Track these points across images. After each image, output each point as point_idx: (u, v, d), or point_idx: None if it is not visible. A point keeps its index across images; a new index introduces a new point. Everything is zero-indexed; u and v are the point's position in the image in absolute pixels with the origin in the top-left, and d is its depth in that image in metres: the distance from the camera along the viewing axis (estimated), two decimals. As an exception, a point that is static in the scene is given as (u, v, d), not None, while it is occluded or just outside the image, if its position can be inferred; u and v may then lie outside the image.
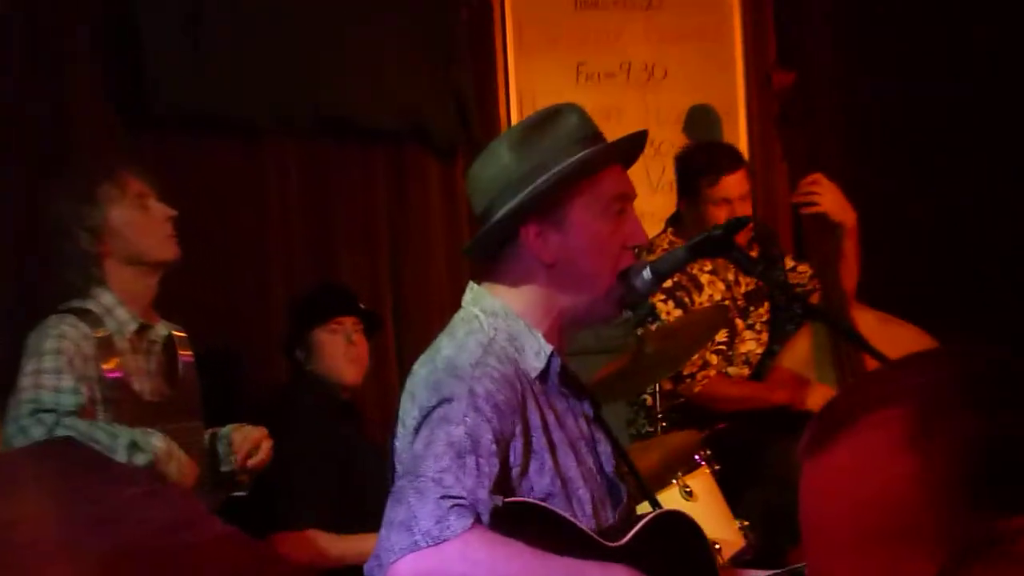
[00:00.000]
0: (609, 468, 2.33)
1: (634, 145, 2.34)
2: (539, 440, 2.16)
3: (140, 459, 2.93)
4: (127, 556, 1.75)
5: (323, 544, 3.56)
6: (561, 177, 2.19)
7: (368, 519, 3.20)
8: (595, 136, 2.26)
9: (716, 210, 4.15)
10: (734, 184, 4.17)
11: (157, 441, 2.97)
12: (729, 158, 4.22)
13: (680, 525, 2.35)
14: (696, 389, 4.13)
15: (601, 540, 2.16)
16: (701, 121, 5.04)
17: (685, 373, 4.11)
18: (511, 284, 2.26)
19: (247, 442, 3.29)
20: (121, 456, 2.90)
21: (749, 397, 4.21)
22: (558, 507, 2.14)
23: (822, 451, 1.06)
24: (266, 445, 3.31)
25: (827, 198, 4.17)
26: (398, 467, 2.15)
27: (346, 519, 3.60)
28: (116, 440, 2.92)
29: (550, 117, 2.25)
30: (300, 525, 3.57)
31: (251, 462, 3.29)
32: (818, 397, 4.06)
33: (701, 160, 4.22)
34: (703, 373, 4.15)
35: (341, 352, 3.80)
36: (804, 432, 1.10)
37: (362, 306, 3.92)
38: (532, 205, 2.20)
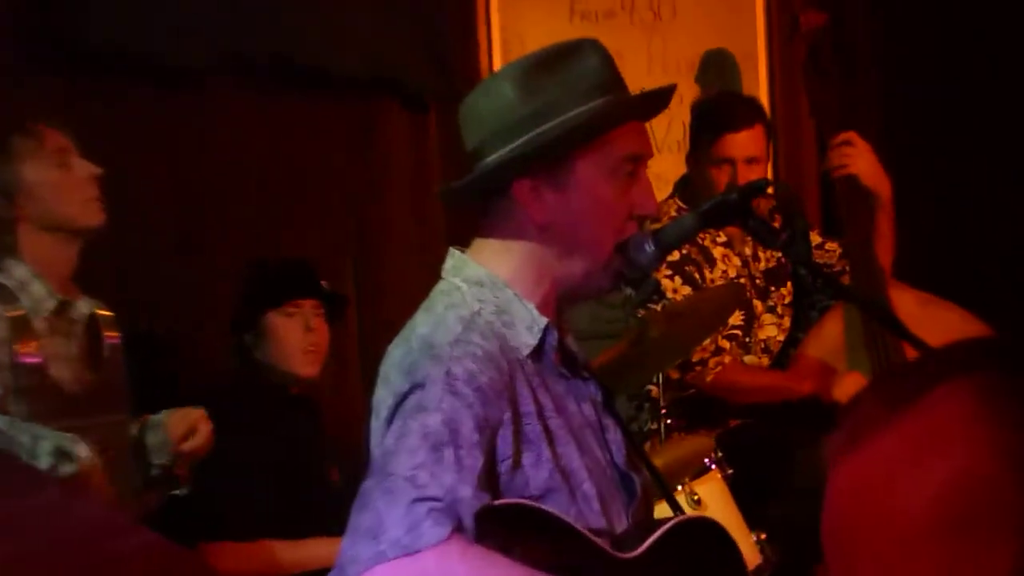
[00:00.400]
0: (620, 460, 2.32)
1: (659, 102, 2.34)
2: (533, 428, 2.14)
3: (67, 468, 2.90)
4: (30, 570, 1.72)
5: (274, 553, 3.55)
6: (570, 129, 2.17)
7: (328, 528, 3.26)
8: (615, 84, 2.24)
9: (716, 172, 4.16)
10: (739, 143, 4.15)
11: (82, 451, 2.94)
12: (741, 113, 4.21)
13: (707, 534, 2.32)
14: (708, 378, 4.12)
15: (610, 551, 2.13)
16: (715, 69, 5.01)
17: (695, 360, 4.11)
18: (498, 246, 2.25)
19: (183, 423, 3.26)
20: (43, 462, 2.88)
21: (770, 387, 4.21)
22: (560, 505, 2.12)
23: (868, 442, 1.05)
24: (204, 428, 3.27)
25: (861, 160, 4.19)
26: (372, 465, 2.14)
27: (301, 528, 3.58)
28: (40, 444, 2.90)
29: (565, 54, 2.22)
30: (246, 534, 3.56)
31: (187, 446, 3.25)
32: (849, 387, 4.04)
33: (709, 112, 4.24)
34: (716, 359, 4.15)
35: (298, 340, 3.77)
36: (840, 426, 1.09)
37: (324, 286, 3.89)
38: (531, 155, 2.18)
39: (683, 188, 4.34)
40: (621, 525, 2.23)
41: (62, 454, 2.90)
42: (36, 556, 1.80)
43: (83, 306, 3.27)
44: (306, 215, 4.38)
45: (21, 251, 3.18)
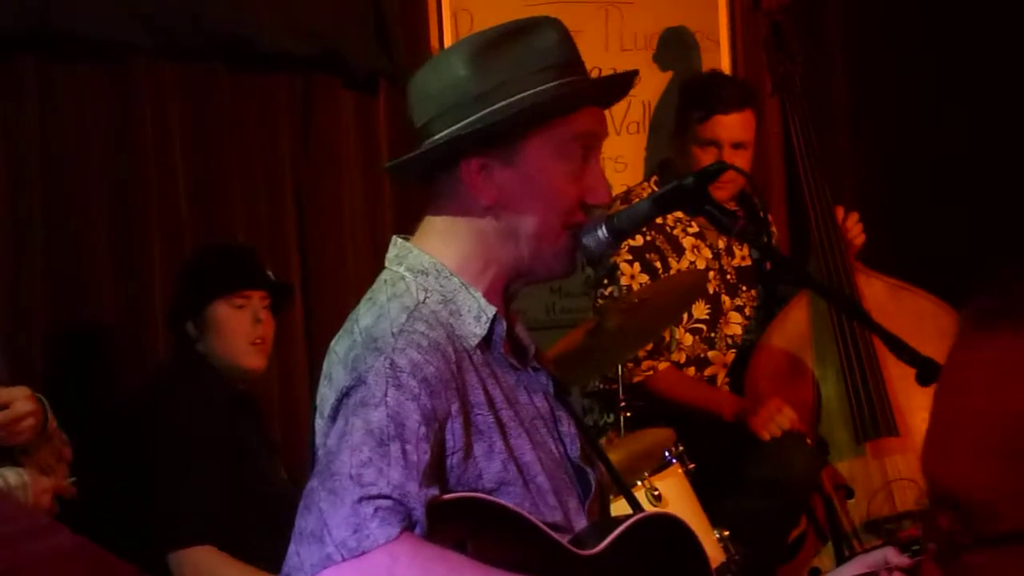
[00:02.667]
0: (574, 453, 2.29)
1: (619, 88, 2.32)
2: (484, 418, 2.13)
3: None
4: None
5: (217, 570, 3.52)
6: (522, 110, 2.14)
7: (279, 529, 3.21)
8: (573, 64, 2.22)
9: (702, 153, 4.15)
10: (728, 126, 4.15)
11: (12, 477, 2.88)
12: (733, 94, 4.19)
13: (669, 531, 2.30)
14: (635, 379, 4.11)
15: (568, 546, 2.11)
16: (675, 47, 5.00)
17: (630, 356, 4.08)
18: (444, 230, 2.24)
19: None
20: None
21: (695, 405, 4.19)
22: (515, 498, 2.11)
23: (981, 338, 1.17)
24: (19, 406, 3.01)
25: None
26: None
27: (250, 531, 3.56)
28: None
29: (521, 31, 2.20)
30: (191, 540, 3.53)
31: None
32: (767, 419, 4.02)
33: (697, 92, 4.22)
34: (649, 363, 4.14)
35: (245, 332, 3.74)
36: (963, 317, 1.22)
37: (271, 276, 3.86)
38: (480, 134, 2.16)
39: (663, 171, 4.32)
40: (577, 521, 2.21)
41: None
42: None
43: None
44: (247, 199, 4.33)
45: None
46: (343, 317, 2.23)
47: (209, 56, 4.23)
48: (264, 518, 3.51)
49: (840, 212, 4.31)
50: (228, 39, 4.22)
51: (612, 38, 4.92)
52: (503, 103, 2.15)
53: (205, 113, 4.26)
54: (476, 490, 2.08)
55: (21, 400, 3.02)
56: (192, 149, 4.22)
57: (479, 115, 2.15)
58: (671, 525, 2.30)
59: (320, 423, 2.12)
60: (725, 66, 5.00)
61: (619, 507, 2.47)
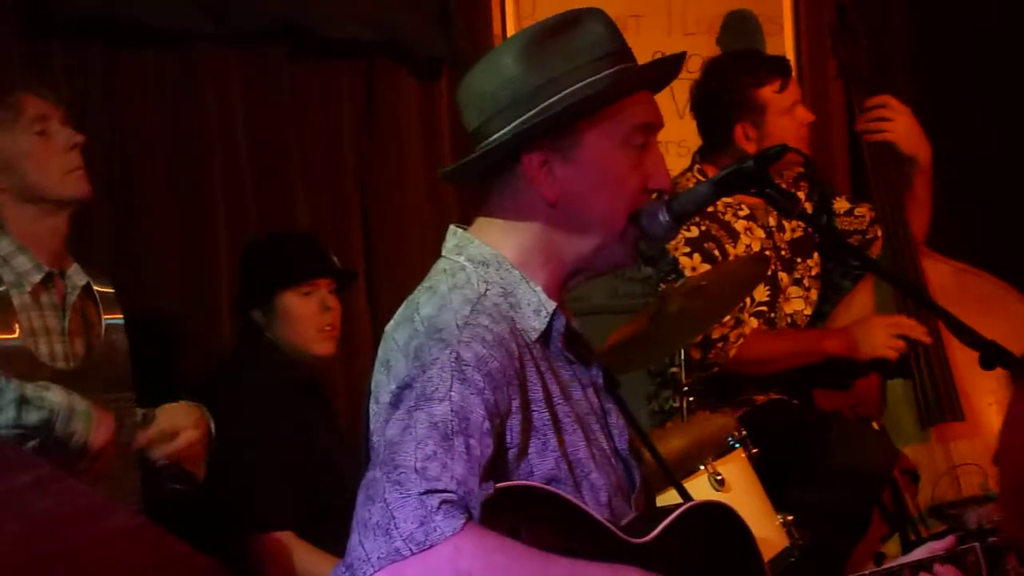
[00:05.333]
0: (623, 446, 2.31)
1: (670, 72, 2.32)
2: (541, 415, 2.13)
3: (32, 417, 2.91)
4: (4, 554, 1.71)
5: (296, 556, 3.58)
6: (580, 100, 2.15)
7: (340, 522, 3.27)
8: (621, 52, 2.23)
9: (781, 120, 4.12)
10: (790, 95, 4.15)
11: (54, 396, 2.94)
12: (774, 66, 4.19)
13: (720, 520, 2.29)
14: (732, 352, 4.08)
15: (622, 535, 2.12)
16: (738, 30, 5.00)
17: (715, 337, 4.08)
18: (504, 226, 2.23)
19: (169, 425, 3.25)
20: (8, 415, 2.88)
21: (795, 350, 4.18)
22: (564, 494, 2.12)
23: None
24: (185, 436, 3.25)
25: (899, 125, 4.18)
26: (372, 454, 2.10)
27: (317, 521, 3.60)
28: (1, 396, 2.89)
29: (568, 24, 2.21)
30: (272, 525, 3.59)
31: (159, 453, 3.22)
32: (881, 338, 4.03)
33: (740, 68, 4.18)
34: (737, 332, 4.11)
35: (315, 321, 3.80)
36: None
37: (336, 261, 3.91)
38: (541, 128, 2.16)
39: (704, 157, 4.29)
40: (625, 516, 2.22)
41: (25, 402, 2.90)
42: (10, 539, 1.79)
43: (77, 277, 3.26)
44: (310, 185, 4.37)
45: (7, 223, 3.19)
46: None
47: (272, 42, 4.27)
48: (332, 502, 3.52)
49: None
50: (291, 25, 4.25)
51: (675, 22, 4.94)
52: (560, 95, 2.16)
53: (268, 100, 4.29)
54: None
55: (189, 430, 3.24)
56: (255, 136, 4.25)
57: (538, 109, 2.16)
58: (722, 513, 2.30)
59: (375, 408, 2.13)
60: (789, 50, 5.00)
61: (669, 498, 2.48)
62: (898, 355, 4.05)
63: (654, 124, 2.24)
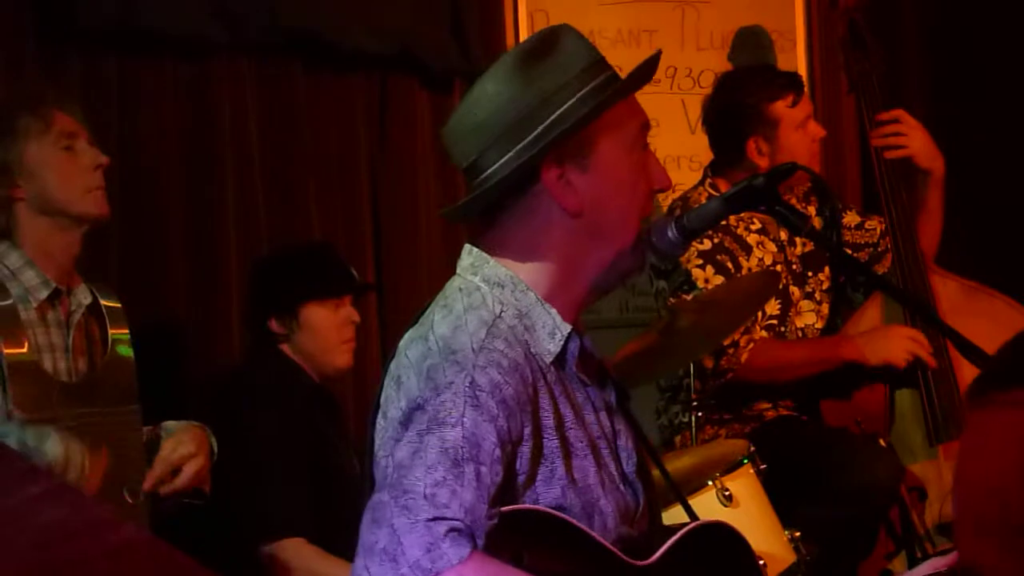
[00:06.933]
0: (630, 470, 2.30)
1: (651, 71, 2.31)
2: (550, 443, 2.12)
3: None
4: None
5: (310, 563, 3.59)
6: (593, 106, 2.16)
7: (351, 531, 3.28)
8: (602, 61, 2.24)
9: (802, 135, 4.13)
10: (802, 109, 4.14)
11: (52, 447, 2.91)
12: (786, 81, 4.19)
13: (723, 540, 2.30)
14: (743, 358, 4.06)
15: (624, 557, 2.12)
16: (751, 45, 5.02)
17: (725, 343, 4.06)
18: (521, 247, 2.22)
19: (175, 454, 3.22)
20: None
21: (810, 358, 4.15)
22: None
23: (976, 409, 1.24)
24: (190, 469, 3.23)
25: (914, 139, 4.19)
26: (376, 472, 2.10)
27: (328, 527, 3.62)
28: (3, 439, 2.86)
29: (547, 43, 2.21)
30: (284, 532, 3.60)
31: (165, 489, 3.21)
32: (896, 345, 4.02)
33: (752, 83, 4.18)
34: (747, 337, 4.09)
35: (341, 334, 3.82)
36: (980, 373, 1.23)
37: (356, 276, 3.93)
38: (559, 140, 2.15)
39: (715, 172, 4.28)
40: (630, 539, 2.23)
41: (25, 449, 2.86)
42: (20, 550, 1.82)
43: (82, 295, 3.25)
44: (322, 198, 4.36)
45: (19, 233, 3.18)
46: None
47: (286, 54, 4.27)
48: (342, 512, 3.53)
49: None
50: (305, 37, 4.25)
51: (688, 37, 4.96)
52: (567, 105, 2.16)
53: (282, 111, 4.28)
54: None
55: (193, 461, 3.22)
56: (269, 147, 4.25)
57: (548, 122, 2.15)
58: (725, 534, 2.30)
59: (382, 422, 2.11)
60: (801, 65, 5.03)
61: (676, 512, 2.51)
62: (906, 365, 4.03)
63: (648, 123, 2.27)
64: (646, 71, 2.26)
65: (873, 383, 4.15)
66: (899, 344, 4.05)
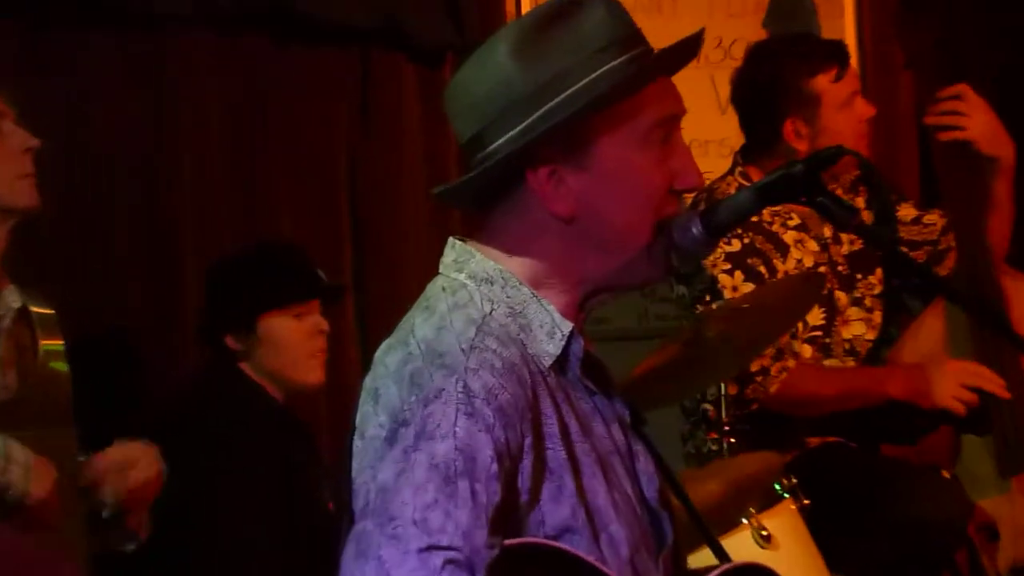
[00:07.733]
0: (652, 494, 2.19)
1: (689, 53, 2.18)
2: (556, 455, 2.01)
3: None
4: None
5: None
6: (590, 99, 2.04)
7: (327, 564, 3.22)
8: (631, 38, 2.12)
9: (838, 114, 3.94)
10: (847, 85, 3.95)
11: (15, 453, 2.92)
12: (829, 52, 3.99)
13: None
14: (772, 388, 3.88)
15: None
16: (789, 11, 4.94)
17: (754, 370, 3.87)
18: (511, 247, 2.13)
19: (120, 454, 3.19)
20: None
21: (848, 392, 3.97)
22: (579, 548, 1.99)
23: None
24: (140, 472, 3.18)
25: (976, 120, 3.98)
26: (355, 503, 1.98)
27: (301, 566, 3.54)
28: None
29: (566, 10, 2.11)
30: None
31: (108, 490, 3.15)
32: (950, 382, 3.81)
33: (790, 54, 3.99)
34: (779, 365, 3.89)
35: (306, 346, 3.74)
36: None
37: (323, 276, 3.83)
38: (546, 136, 2.04)
39: (747, 158, 4.10)
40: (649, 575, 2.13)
41: None
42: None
43: (11, 298, 3.17)
44: (294, 188, 4.32)
45: None
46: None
47: (254, 27, 4.22)
48: (314, 553, 3.50)
49: None
50: (275, 7, 4.21)
51: (717, 2, 4.95)
52: (564, 95, 2.06)
53: (247, 92, 4.26)
54: (536, 536, 1.98)
55: (143, 466, 3.21)
56: (231, 133, 4.22)
57: (540, 113, 2.05)
58: None
59: (359, 444, 2.01)
60: (850, 36, 4.95)
61: (704, 557, 2.40)
62: (966, 409, 3.84)
63: (676, 114, 2.13)
64: (674, 57, 2.16)
65: (932, 418, 3.96)
66: (953, 384, 3.86)
